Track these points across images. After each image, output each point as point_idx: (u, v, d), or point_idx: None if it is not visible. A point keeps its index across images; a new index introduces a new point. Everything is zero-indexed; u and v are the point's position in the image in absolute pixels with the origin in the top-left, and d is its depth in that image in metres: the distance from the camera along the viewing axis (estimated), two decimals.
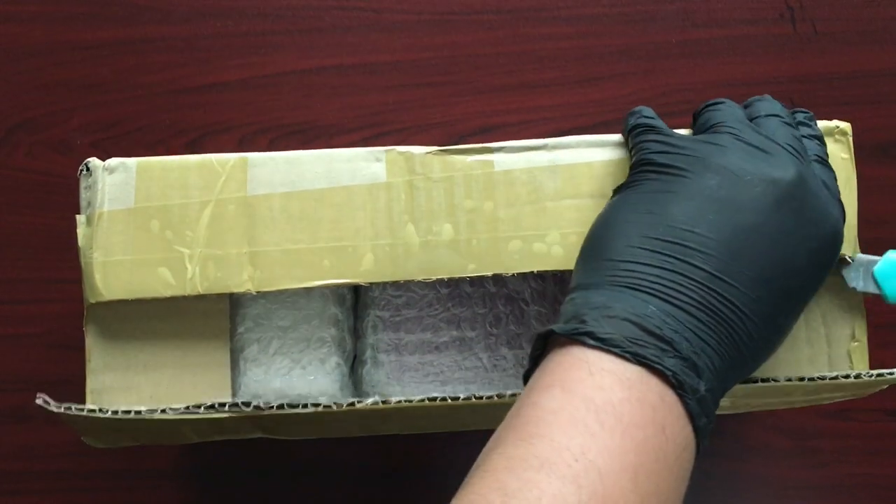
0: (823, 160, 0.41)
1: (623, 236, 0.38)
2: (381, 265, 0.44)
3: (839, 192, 0.41)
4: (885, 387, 0.46)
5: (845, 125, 0.47)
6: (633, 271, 0.36)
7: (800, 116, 0.43)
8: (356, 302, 0.49)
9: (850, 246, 0.45)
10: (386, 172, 0.45)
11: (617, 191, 0.41)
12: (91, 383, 0.44)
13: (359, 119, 0.63)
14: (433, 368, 0.48)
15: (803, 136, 0.42)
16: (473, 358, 0.48)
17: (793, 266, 0.37)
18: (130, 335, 0.45)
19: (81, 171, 0.45)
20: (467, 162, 0.45)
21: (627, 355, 0.33)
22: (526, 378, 0.37)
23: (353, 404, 0.41)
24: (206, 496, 0.59)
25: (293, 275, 0.43)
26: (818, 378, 0.43)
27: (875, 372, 0.43)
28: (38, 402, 0.41)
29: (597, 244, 0.39)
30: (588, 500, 0.30)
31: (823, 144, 0.42)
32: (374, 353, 0.48)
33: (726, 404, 0.46)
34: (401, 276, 0.44)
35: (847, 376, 0.43)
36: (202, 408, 0.41)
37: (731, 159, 0.38)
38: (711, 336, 0.35)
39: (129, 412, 0.41)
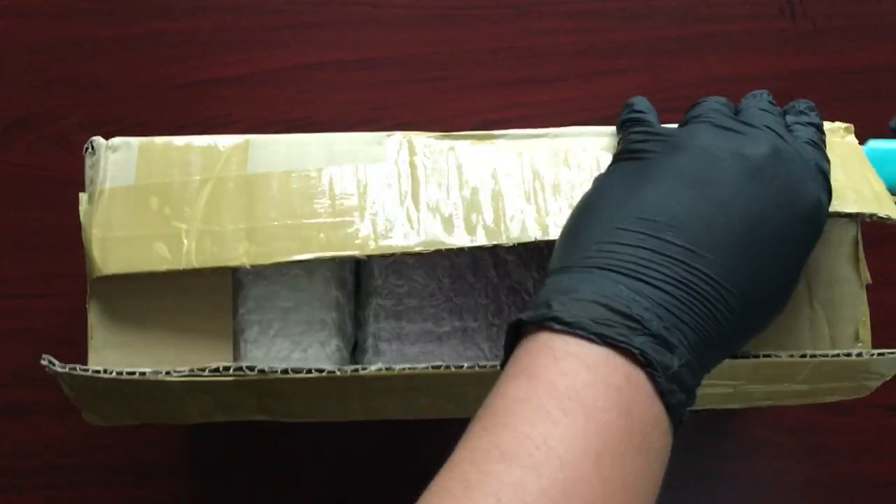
0: (816, 143, 0.41)
1: (596, 219, 0.38)
2: (380, 238, 0.44)
3: (829, 172, 0.40)
4: (888, 377, 0.46)
5: (848, 125, 0.48)
6: (605, 251, 0.36)
7: (801, 105, 0.43)
8: (358, 290, 0.49)
9: (892, 209, 0.44)
10: (387, 155, 0.45)
11: (595, 181, 0.42)
12: (93, 361, 0.44)
13: (359, 114, 0.63)
14: (435, 358, 0.48)
15: (798, 123, 0.42)
16: (475, 348, 0.48)
17: (768, 236, 0.37)
18: (133, 314, 0.45)
19: (87, 149, 0.45)
20: (470, 146, 0.46)
21: (593, 337, 0.33)
22: (502, 368, 0.37)
23: (356, 370, 0.41)
24: (207, 491, 0.59)
25: (289, 248, 0.43)
26: (819, 355, 0.43)
27: (876, 351, 0.43)
28: (43, 362, 0.41)
29: (571, 229, 0.39)
30: (549, 487, 0.30)
31: (821, 131, 0.42)
32: (376, 341, 0.48)
33: (728, 391, 0.46)
34: (400, 248, 0.43)
35: (849, 354, 0.43)
36: (206, 370, 0.41)
37: (704, 138, 0.39)
38: (685, 311, 0.35)
39: (133, 373, 0.41)
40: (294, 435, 0.55)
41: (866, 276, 0.47)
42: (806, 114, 0.43)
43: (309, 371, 0.41)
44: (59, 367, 0.41)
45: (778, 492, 0.60)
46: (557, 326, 0.34)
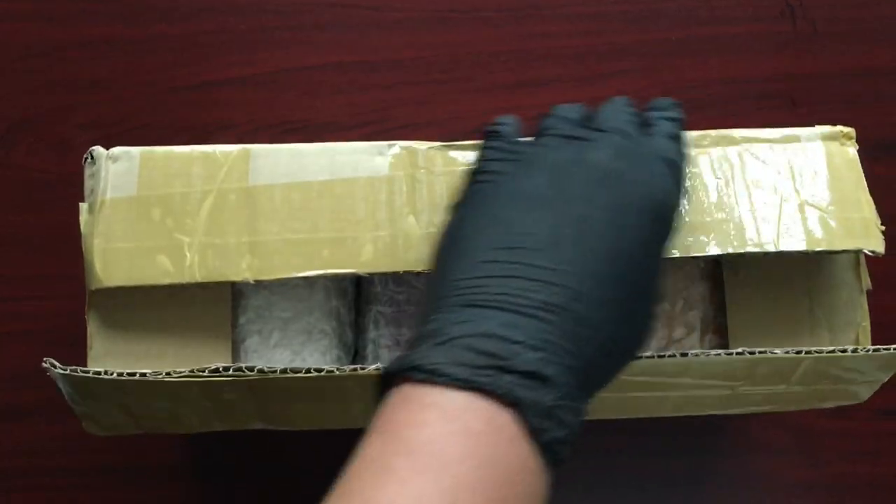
0: (674, 137, 0.40)
1: (460, 253, 0.36)
2: (381, 256, 0.44)
3: (683, 165, 0.40)
4: (885, 380, 0.46)
5: (849, 129, 0.47)
6: (473, 287, 0.34)
7: (663, 102, 0.43)
8: (358, 297, 0.49)
9: (877, 242, 0.45)
10: (388, 166, 0.45)
11: (454, 208, 0.40)
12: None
13: (359, 116, 0.63)
14: None
15: (660, 118, 0.41)
16: None
17: (629, 241, 0.36)
18: (132, 323, 0.45)
19: (86, 159, 0.45)
20: (470, 157, 0.46)
21: (456, 383, 0.31)
22: None
23: (355, 369, 0.41)
24: (207, 493, 0.59)
25: (292, 264, 0.44)
26: (815, 352, 0.43)
27: (871, 347, 0.43)
28: (45, 365, 0.41)
29: (437, 268, 0.38)
30: None
31: (680, 126, 0.42)
32: (376, 348, 0.48)
33: (726, 393, 0.46)
34: (401, 266, 0.44)
35: (844, 351, 0.43)
36: (206, 371, 0.41)
37: (552, 153, 0.38)
38: (561, 335, 0.33)
39: (133, 374, 0.41)
40: (294, 439, 0.55)
41: (867, 281, 0.47)
42: (667, 109, 0.42)
43: (308, 371, 0.41)
44: (59, 369, 0.41)
45: (774, 492, 0.60)
46: (419, 375, 0.32)
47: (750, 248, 0.44)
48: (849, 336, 0.47)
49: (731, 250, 0.44)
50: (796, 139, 0.47)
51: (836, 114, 0.61)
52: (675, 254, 0.44)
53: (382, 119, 0.63)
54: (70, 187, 0.61)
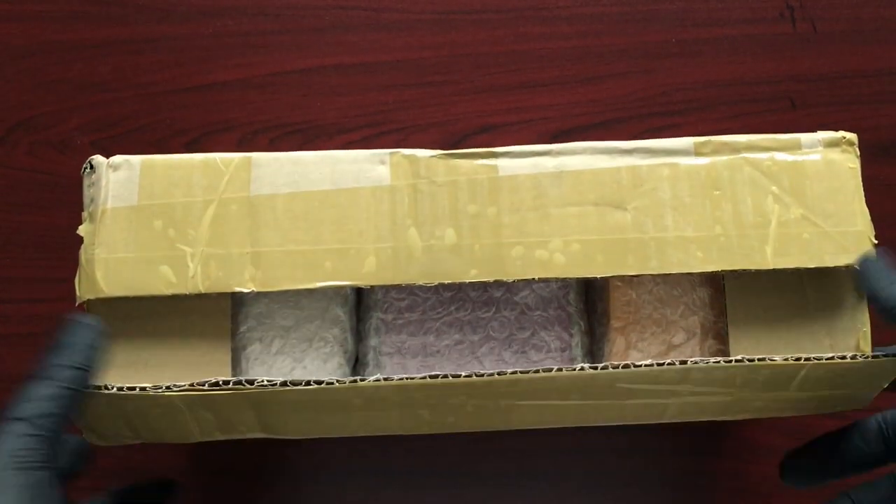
0: None
1: None
2: (383, 268, 0.44)
3: None
4: (885, 386, 0.46)
5: (851, 135, 0.47)
6: None
7: None
8: (359, 303, 0.50)
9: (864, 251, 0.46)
10: (390, 175, 0.45)
11: None
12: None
13: (358, 118, 0.63)
14: (434, 371, 0.48)
15: None
16: (476, 362, 0.48)
17: None
18: (132, 334, 0.45)
19: (85, 168, 0.45)
20: (472, 166, 0.46)
21: None
22: None
23: (354, 381, 0.41)
24: (207, 495, 0.59)
25: (295, 276, 0.44)
26: (814, 359, 0.43)
27: (871, 354, 0.43)
28: None
29: None
30: None
31: None
32: (377, 355, 0.48)
33: (726, 399, 0.46)
34: (402, 279, 0.44)
35: (843, 357, 0.43)
36: (206, 384, 0.41)
37: None
38: None
39: (133, 388, 0.41)
40: (293, 443, 0.55)
41: None
42: None
43: (308, 383, 0.41)
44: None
45: (775, 493, 0.60)
46: None
47: (745, 266, 0.45)
48: (849, 341, 0.47)
49: (726, 267, 0.45)
50: (797, 146, 0.47)
51: (837, 115, 0.61)
52: (671, 269, 0.45)
53: (382, 121, 0.63)
54: (70, 188, 0.61)
